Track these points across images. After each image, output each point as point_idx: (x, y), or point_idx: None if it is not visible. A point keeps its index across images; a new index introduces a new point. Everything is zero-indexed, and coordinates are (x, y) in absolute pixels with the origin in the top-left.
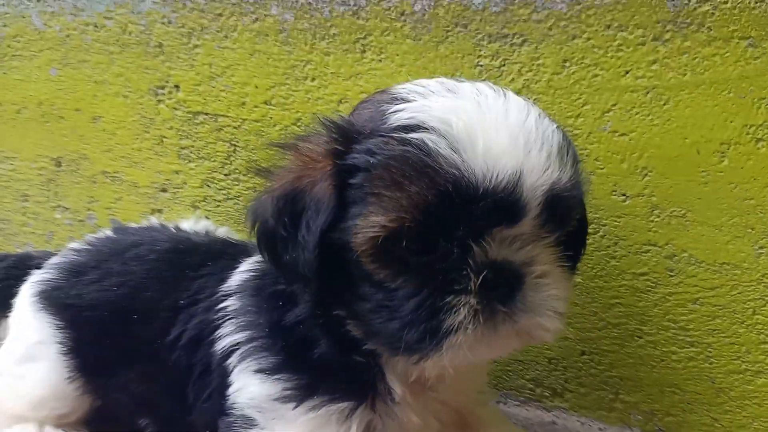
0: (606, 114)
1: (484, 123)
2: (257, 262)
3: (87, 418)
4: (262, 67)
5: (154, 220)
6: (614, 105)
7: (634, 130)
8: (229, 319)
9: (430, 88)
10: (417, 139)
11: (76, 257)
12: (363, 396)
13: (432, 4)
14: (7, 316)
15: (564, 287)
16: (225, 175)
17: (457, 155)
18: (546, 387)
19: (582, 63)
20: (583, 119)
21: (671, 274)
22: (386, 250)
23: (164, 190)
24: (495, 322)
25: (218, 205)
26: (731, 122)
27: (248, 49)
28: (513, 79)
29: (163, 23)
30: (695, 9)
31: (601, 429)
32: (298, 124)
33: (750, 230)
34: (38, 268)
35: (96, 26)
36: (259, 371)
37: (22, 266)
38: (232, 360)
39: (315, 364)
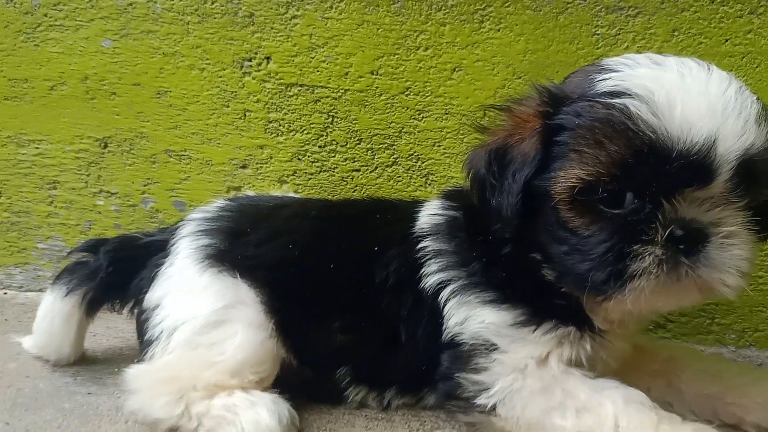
0: None
1: (684, 91)
2: (444, 206)
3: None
4: (371, 37)
5: (251, 194)
6: None
7: None
8: (430, 258)
9: (637, 60)
10: (620, 103)
11: (220, 222)
12: (582, 324)
13: None
14: (119, 303)
15: (749, 249)
16: (320, 147)
17: (655, 119)
18: (650, 321)
19: (689, 32)
20: None
21: None
22: (582, 201)
23: (244, 167)
24: (678, 274)
25: (310, 179)
26: None
27: (356, 19)
28: (627, 47)
29: None
30: None
31: (702, 350)
32: (407, 93)
33: None
34: (150, 248)
35: None
36: (486, 303)
37: (128, 247)
38: (444, 295)
39: (529, 297)
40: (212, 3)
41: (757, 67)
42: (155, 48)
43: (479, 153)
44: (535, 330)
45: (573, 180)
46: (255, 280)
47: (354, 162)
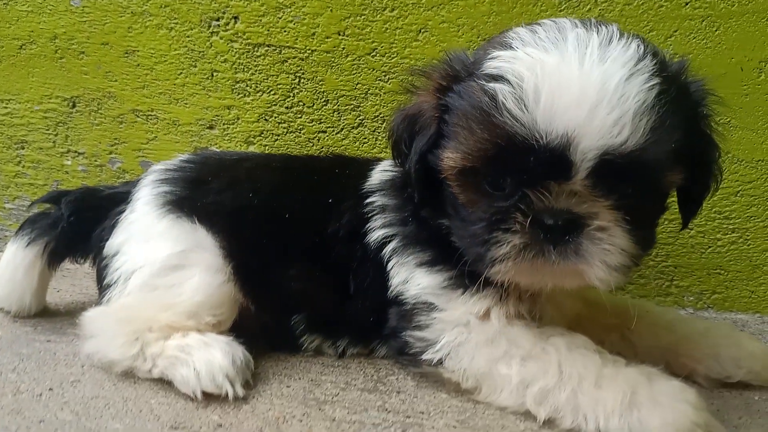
0: (668, 39)
1: (556, 80)
2: (395, 164)
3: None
4: None
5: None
6: (675, 31)
7: (691, 52)
8: (376, 213)
9: (538, 35)
10: (492, 89)
11: (182, 173)
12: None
13: None
14: (80, 254)
15: (622, 245)
16: (287, 108)
17: (518, 110)
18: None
19: None
20: None
21: None
22: (464, 181)
23: (211, 127)
24: (546, 259)
25: (277, 139)
26: None
27: None
28: (590, 9)
29: None
30: None
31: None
32: (373, 54)
33: None
34: (112, 199)
35: None
36: (421, 264)
37: (90, 198)
38: (386, 252)
39: (456, 259)
40: None
41: (716, 31)
42: (124, 7)
43: (398, 117)
44: (463, 293)
45: (452, 162)
46: (214, 225)
47: (320, 123)
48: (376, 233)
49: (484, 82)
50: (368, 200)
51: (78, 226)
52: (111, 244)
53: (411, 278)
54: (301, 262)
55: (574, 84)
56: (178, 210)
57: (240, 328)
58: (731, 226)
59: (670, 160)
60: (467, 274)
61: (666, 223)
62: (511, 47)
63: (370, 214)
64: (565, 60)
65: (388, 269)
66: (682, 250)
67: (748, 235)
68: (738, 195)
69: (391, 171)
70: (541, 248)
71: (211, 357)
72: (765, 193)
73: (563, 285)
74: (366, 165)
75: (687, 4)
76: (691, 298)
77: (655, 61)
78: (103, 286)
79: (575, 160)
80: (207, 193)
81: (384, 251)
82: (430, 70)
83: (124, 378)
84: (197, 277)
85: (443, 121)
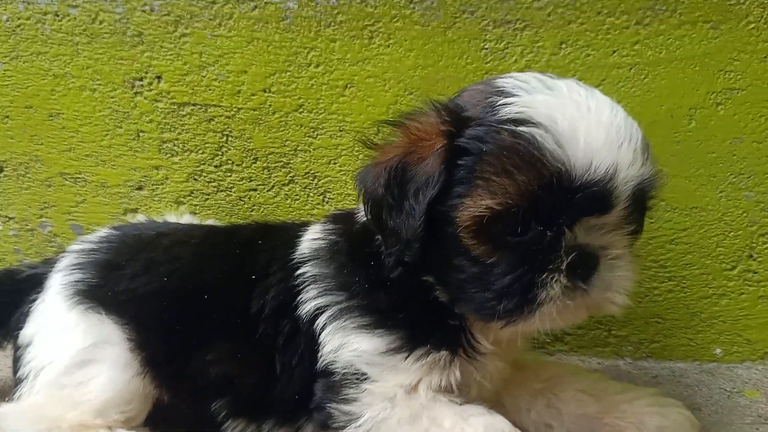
0: (597, 87)
1: (584, 121)
2: (326, 230)
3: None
4: (261, 54)
5: (141, 218)
6: (604, 80)
7: (621, 100)
8: (308, 284)
9: (530, 83)
10: (527, 132)
11: (97, 255)
12: (456, 347)
13: None
14: (1, 340)
15: (633, 269)
16: (215, 167)
17: (561, 150)
18: (548, 334)
19: (576, 45)
20: None
21: (651, 220)
22: (486, 229)
23: (140, 188)
24: (575, 296)
25: (207, 199)
26: (697, 91)
27: (246, 36)
28: (516, 60)
29: (144, 11)
30: None
31: (599, 363)
32: (301, 110)
33: (713, 178)
34: (31, 281)
35: (57, 15)
36: (361, 328)
37: (7, 282)
38: (320, 321)
39: (410, 321)
40: (100, 23)
41: (645, 78)
42: (45, 69)
43: (374, 171)
44: (407, 357)
45: (482, 209)
46: (123, 315)
47: (250, 181)
48: (308, 304)
49: (511, 127)
50: (299, 271)
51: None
52: (24, 334)
53: (346, 344)
54: (221, 345)
55: (599, 123)
56: (87, 301)
57: (157, 418)
58: (667, 275)
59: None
60: (412, 340)
61: None
62: (516, 95)
63: (301, 286)
64: (579, 102)
65: (319, 340)
66: None
67: (684, 283)
68: (673, 243)
69: (322, 238)
70: (575, 285)
71: None
72: (700, 240)
73: (581, 318)
74: (293, 233)
75: (614, 52)
76: (630, 348)
77: None
78: (17, 378)
79: (617, 193)
80: (119, 279)
81: (317, 322)
82: (415, 117)
83: None
84: (104, 375)
85: (455, 166)
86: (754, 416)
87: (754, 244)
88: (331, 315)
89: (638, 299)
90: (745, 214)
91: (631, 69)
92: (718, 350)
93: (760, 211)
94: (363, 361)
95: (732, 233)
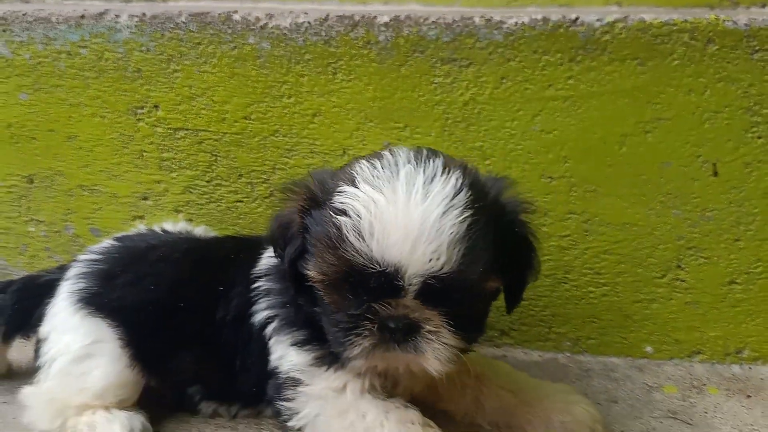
0: (535, 118)
1: (386, 218)
2: None
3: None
4: (241, 87)
5: (141, 227)
6: (541, 110)
7: (557, 129)
8: (262, 297)
9: (376, 171)
10: (338, 223)
11: (98, 266)
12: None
13: (393, 35)
14: (27, 334)
15: (449, 344)
16: (207, 181)
17: (360, 242)
18: (496, 329)
19: (516, 79)
20: (517, 122)
21: (587, 234)
22: (329, 287)
23: (145, 198)
24: (392, 353)
25: (201, 209)
26: (627, 120)
27: (227, 72)
28: (462, 93)
29: (141, 51)
30: (599, 38)
31: (540, 356)
32: (277, 134)
33: (643, 197)
34: (48, 285)
35: (70, 54)
36: (293, 344)
37: (30, 287)
38: (268, 331)
39: (327, 340)
40: (105, 61)
41: (578, 109)
42: (63, 99)
43: (275, 221)
44: (327, 369)
45: (312, 275)
46: (115, 319)
47: (237, 194)
48: (260, 314)
49: (332, 214)
50: (255, 285)
51: (21, 312)
52: (42, 331)
53: (285, 355)
54: (194, 348)
55: (401, 221)
56: (88, 306)
57: (148, 398)
58: (602, 281)
59: (483, 276)
60: (331, 355)
61: (543, 278)
62: (353, 183)
63: (256, 298)
64: (395, 199)
65: (269, 346)
66: (558, 302)
67: (618, 288)
68: (607, 253)
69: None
70: (388, 346)
71: (111, 430)
72: (632, 252)
73: (408, 368)
74: (259, 249)
75: (550, 86)
76: (568, 344)
77: (470, 193)
78: (36, 366)
79: (404, 284)
80: (114, 289)
81: (266, 330)
82: (296, 189)
83: None
84: (102, 367)
85: (305, 238)
86: (664, 410)
87: (682, 256)
88: (275, 327)
89: (575, 301)
90: (673, 230)
91: (565, 101)
92: (649, 348)
93: (687, 227)
94: (296, 370)
95: (661, 245)
